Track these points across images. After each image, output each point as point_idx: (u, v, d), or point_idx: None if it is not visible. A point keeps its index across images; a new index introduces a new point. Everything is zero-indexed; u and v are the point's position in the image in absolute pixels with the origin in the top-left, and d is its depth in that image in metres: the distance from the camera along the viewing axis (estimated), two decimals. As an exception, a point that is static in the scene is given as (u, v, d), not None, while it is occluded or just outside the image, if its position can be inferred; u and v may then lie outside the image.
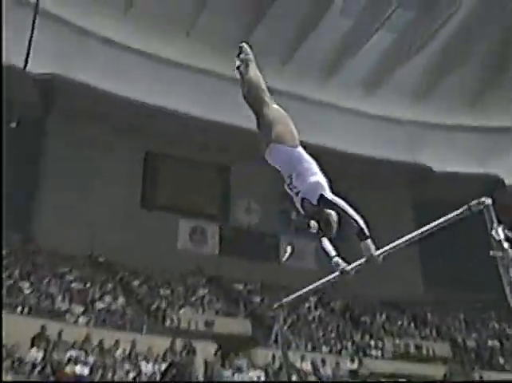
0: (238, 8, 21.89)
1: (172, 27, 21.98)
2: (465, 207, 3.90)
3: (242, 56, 4.48)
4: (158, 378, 12.82)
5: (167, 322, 16.03)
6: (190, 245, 22.15)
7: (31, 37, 11.72)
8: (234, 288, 20.33)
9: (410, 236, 4.54)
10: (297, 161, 4.20)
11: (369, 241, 4.20)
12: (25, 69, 12.68)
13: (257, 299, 19.44)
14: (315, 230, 4.36)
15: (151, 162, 22.56)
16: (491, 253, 3.65)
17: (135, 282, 18.17)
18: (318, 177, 4.18)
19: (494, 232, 3.67)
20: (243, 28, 21.74)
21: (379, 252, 4.60)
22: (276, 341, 13.94)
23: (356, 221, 4.06)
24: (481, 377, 16.57)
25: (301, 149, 4.26)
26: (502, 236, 3.63)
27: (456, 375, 16.39)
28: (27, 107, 17.88)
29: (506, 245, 3.61)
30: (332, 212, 4.13)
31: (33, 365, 11.59)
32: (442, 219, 4.28)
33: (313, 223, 4.34)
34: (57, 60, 20.15)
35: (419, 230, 4.45)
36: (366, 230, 4.06)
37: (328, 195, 4.12)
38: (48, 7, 18.60)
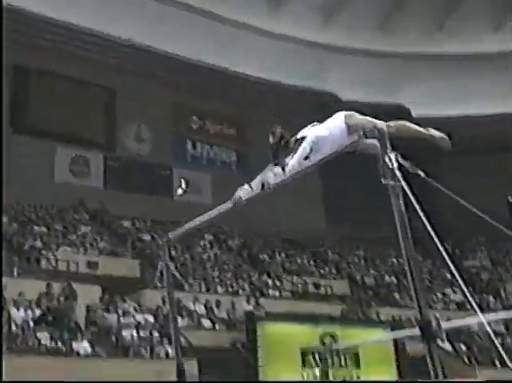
0: None
1: None
2: (360, 131, 3.97)
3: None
4: (31, 326, 12.52)
5: (43, 264, 15.55)
6: (70, 177, 21.33)
7: None
8: (120, 225, 20.04)
9: (307, 164, 4.64)
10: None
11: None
12: None
13: (147, 237, 19.31)
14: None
15: (20, 77, 21.11)
16: (383, 181, 3.73)
17: (4, 218, 17.33)
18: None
19: (387, 159, 3.74)
20: None
21: (273, 182, 4.73)
22: (161, 280, 13.92)
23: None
24: (377, 313, 17.71)
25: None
26: (395, 164, 3.72)
27: (352, 312, 17.42)
28: None
29: (397, 173, 3.68)
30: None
31: None
32: (339, 148, 4.35)
33: None
34: None
35: (317, 158, 4.53)
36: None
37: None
38: None
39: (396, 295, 20.11)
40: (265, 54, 24.18)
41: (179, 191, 22.71)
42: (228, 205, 5.07)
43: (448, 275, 20.83)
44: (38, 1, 20.44)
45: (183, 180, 22.86)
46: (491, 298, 21.02)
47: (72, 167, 21.57)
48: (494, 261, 24.42)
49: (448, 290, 20.80)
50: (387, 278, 21.49)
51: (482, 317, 3.91)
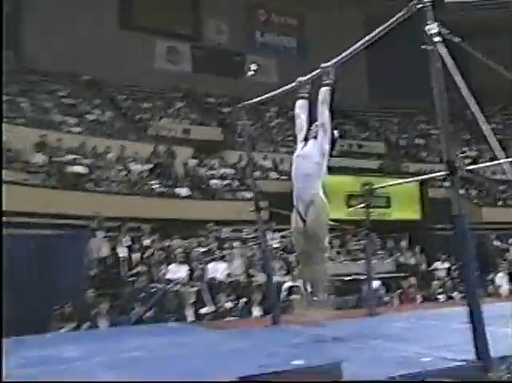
0: None
1: None
2: (408, 6, 3.76)
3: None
4: (145, 176, 13.44)
5: (150, 131, 16.26)
6: (166, 64, 21.48)
7: None
8: (206, 101, 20.34)
9: (358, 45, 4.52)
10: None
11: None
12: None
13: (227, 110, 19.58)
14: None
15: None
16: (423, 46, 3.60)
17: (120, 97, 17.98)
18: None
19: (428, 26, 3.59)
20: None
21: (329, 63, 4.65)
22: (240, 137, 14.32)
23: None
24: (407, 167, 17.74)
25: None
26: (434, 30, 3.52)
27: (388, 167, 17.55)
28: None
29: (436, 39, 3.58)
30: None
31: (40, 167, 11.93)
32: (386, 24, 4.18)
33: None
34: None
35: (366, 39, 4.39)
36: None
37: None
38: None
39: (424, 153, 19.95)
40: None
41: (251, 73, 22.47)
42: (291, 84, 5.11)
43: (466, 137, 20.34)
44: None
45: (254, 64, 22.52)
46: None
47: (167, 56, 21.64)
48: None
49: (465, 149, 20.40)
50: (416, 140, 21.19)
51: (502, 158, 3.72)
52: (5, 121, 13.12)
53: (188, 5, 22.22)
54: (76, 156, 12.96)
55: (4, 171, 10.88)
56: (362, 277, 8.81)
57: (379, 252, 12.35)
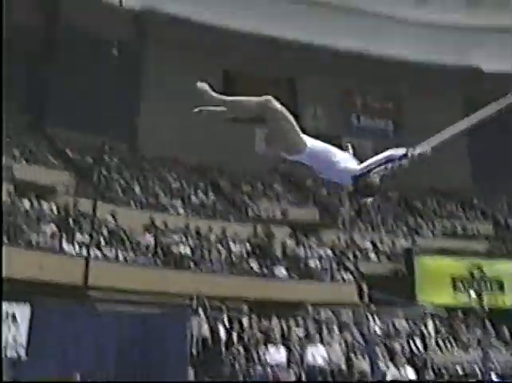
0: None
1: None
2: (509, 94, 3.65)
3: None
4: (244, 256, 13.58)
5: (250, 213, 16.63)
6: (265, 149, 22.28)
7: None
8: (304, 183, 20.58)
9: (459, 126, 4.35)
10: (314, 158, 3.45)
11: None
12: (121, 5, 12.76)
13: (324, 192, 19.63)
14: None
15: (228, 78, 22.34)
16: None
17: (222, 181, 18.79)
18: (341, 161, 3.45)
19: None
20: None
21: (427, 147, 4.33)
22: (343, 222, 14.23)
23: (392, 158, 3.43)
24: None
25: (309, 143, 3.46)
26: None
27: (497, 250, 16.22)
28: (124, 40, 17.88)
29: None
30: (372, 179, 3.42)
31: (147, 247, 12.53)
32: (487, 108, 4.05)
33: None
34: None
35: (468, 119, 4.25)
36: (404, 151, 3.42)
37: (358, 169, 3.42)
38: None
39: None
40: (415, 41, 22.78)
41: (348, 155, 22.52)
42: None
43: None
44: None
45: (349, 145, 22.67)
46: None
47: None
48: None
49: None
50: (528, 220, 19.57)
51: None
52: (121, 204, 14.22)
53: (286, 96, 23.29)
54: (181, 237, 13.49)
55: (115, 250, 11.58)
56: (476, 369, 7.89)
57: (493, 342, 11.12)
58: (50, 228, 11.57)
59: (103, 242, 11.89)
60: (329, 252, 14.96)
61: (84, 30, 18.32)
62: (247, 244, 14.16)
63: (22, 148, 15.18)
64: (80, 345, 8.29)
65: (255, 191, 18.48)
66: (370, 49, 22.31)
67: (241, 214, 16.55)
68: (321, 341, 10.07)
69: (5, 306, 8.55)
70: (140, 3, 20.01)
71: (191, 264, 12.65)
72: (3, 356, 7.77)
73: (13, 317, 8.66)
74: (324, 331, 10.61)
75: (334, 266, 14.30)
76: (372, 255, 15.41)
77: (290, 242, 15.02)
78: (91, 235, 10.67)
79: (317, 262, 14.21)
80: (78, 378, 7.97)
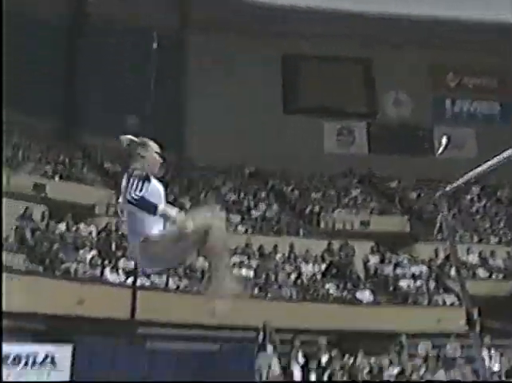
0: None
1: None
2: None
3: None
4: (318, 278, 13.41)
5: (322, 225, 16.44)
6: (336, 147, 22.07)
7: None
8: (387, 186, 20.13)
9: None
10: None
11: None
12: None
13: (413, 195, 19.11)
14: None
15: (288, 64, 22.35)
16: None
17: (287, 189, 18.71)
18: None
19: None
20: None
21: None
22: (440, 232, 13.75)
23: None
24: None
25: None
26: None
27: None
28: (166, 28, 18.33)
29: None
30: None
31: (202, 272, 12.61)
32: None
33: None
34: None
35: None
36: None
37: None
38: None
39: None
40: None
41: (441, 149, 21.87)
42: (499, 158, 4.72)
43: None
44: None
45: (444, 137, 21.97)
46: None
47: (338, 138, 22.27)
48: None
49: None
50: None
51: None
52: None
53: (360, 80, 22.95)
54: (242, 258, 13.51)
55: (166, 277, 11.76)
56: None
57: None
58: (90, 254, 11.91)
59: (150, 269, 12.10)
60: (425, 269, 14.51)
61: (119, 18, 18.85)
62: (321, 263, 13.98)
63: (54, 163, 15.79)
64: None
65: (327, 198, 18.25)
66: (463, 14, 21.55)
67: (311, 227, 16.38)
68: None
69: (42, 347, 8.86)
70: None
71: (255, 289, 12.61)
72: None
73: (52, 359, 8.95)
74: (424, 368, 10.25)
75: (432, 286, 13.85)
76: (481, 272, 14.77)
77: (374, 259, 14.69)
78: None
79: (410, 282, 13.82)
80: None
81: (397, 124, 22.49)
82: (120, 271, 11.68)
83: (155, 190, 3.45)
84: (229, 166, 19.04)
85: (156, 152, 3.54)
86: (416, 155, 21.53)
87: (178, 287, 12.18)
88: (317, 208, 17.47)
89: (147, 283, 11.69)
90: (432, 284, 13.96)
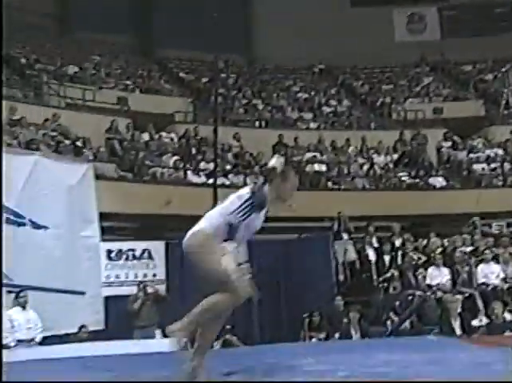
0: None
1: None
2: None
3: None
4: (391, 167, 13.50)
5: (394, 116, 16.26)
6: (408, 35, 21.16)
7: None
8: (461, 71, 19.32)
9: None
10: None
11: None
12: None
13: (490, 77, 18.25)
14: None
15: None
16: None
17: (357, 83, 18.43)
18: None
19: None
20: None
21: None
22: (507, 108, 13.32)
23: None
24: None
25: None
26: None
27: None
28: None
29: None
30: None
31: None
32: None
33: None
34: None
35: None
36: None
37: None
38: None
39: None
40: None
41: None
42: None
43: None
44: None
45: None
46: None
47: (409, 26, 21.31)
48: None
49: None
50: None
51: None
52: (244, 125, 14.84)
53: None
54: (315, 154, 13.76)
55: (243, 176, 12.25)
56: None
57: None
58: (173, 159, 12.57)
59: (229, 169, 12.67)
60: (500, 152, 14.19)
61: None
62: (393, 153, 13.99)
63: (134, 77, 16.34)
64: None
65: (398, 88, 17.87)
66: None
67: (383, 119, 16.25)
68: (494, 259, 9.87)
69: (139, 243, 9.74)
70: None
71: (329, 183, 12.93)
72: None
73: (150, 254, 9.82)
74: (498, 246, 10.34)
75: (507, 168, 13.59)
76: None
77: (447, 146, 14.50)
78: (215, 162, 11.31)
79: (484, 165, 13.62)
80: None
81: (471, 4, 21.12)
82: (201, 173, 12.30)
83: (254, 222, 3.43)
84: (298, 65, 18.87)
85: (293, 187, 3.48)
86: (493, 35, 20.30)
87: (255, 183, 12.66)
88: (388, 100, 17.20)
89: (227, 182, 12.25)
90: (508, 166, 13.68)
